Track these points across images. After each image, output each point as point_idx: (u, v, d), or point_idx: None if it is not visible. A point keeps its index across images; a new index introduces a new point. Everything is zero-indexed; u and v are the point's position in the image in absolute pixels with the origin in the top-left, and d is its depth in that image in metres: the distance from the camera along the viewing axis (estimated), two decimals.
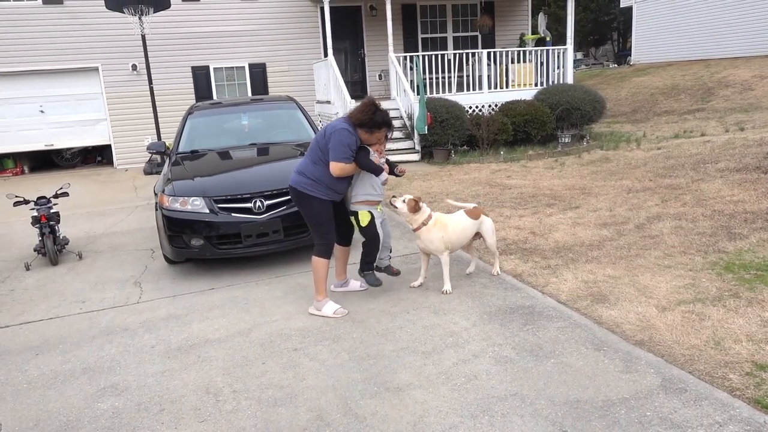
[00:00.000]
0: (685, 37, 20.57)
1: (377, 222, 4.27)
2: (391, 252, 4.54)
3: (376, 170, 4.14)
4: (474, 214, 4.51)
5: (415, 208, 4.28)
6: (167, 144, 6.98)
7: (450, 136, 10.88)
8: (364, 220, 4.23)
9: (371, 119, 4.07)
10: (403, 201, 4.31)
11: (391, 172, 4.32)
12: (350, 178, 4.25)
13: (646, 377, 3.01)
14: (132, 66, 13.45)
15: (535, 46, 14.23)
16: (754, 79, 15.66)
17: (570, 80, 13.20)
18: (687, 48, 20.44)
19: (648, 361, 3.16)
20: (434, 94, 11.91)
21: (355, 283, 4.72)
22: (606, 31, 37.57)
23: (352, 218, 4.36)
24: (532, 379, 3.10)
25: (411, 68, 12.53)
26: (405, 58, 12.56)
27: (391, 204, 4.35)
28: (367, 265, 4.39)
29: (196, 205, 5.19)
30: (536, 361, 3.28)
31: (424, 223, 4.33)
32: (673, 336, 3.41)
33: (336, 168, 4.05)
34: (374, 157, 4.20)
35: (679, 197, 6.55)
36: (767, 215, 5.47)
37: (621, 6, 24.68)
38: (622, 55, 33.06)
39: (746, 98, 14.60)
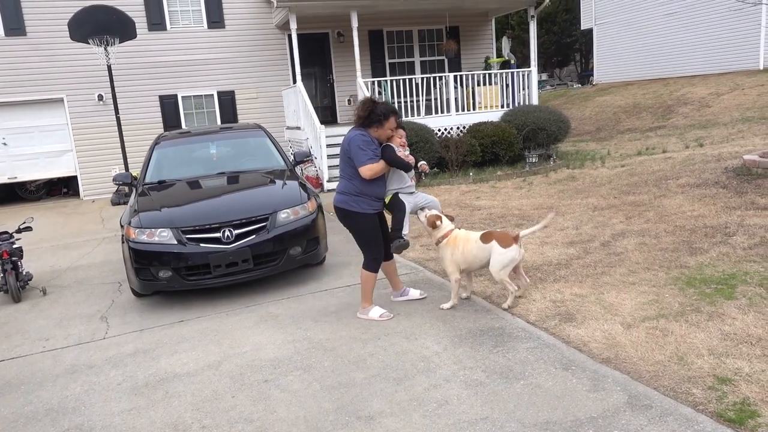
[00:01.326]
0: (644, 57, 21.30)
1: (401, 195, 4.53)
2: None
3: (406, 166, 4.38)
4: (485, 238, 4.35)
5: (433, 224, 4.47)
6: (134, 174, 6.91)
7: (419, 158, 10.99)
8: (388, 199, 4.51)
9: (372, 112, 4.29)
10: (425, 216, 4.51)
11: (415, 166, 4.54)
12: (384, 178, 4.45)
13: (612, 395, 3.06)
14: (98, 96, 13.32)
15: (500, 68, 14.57)
16: (710, 96, 16.25)
17: (535, 101, 13.52)
18: (646, 67, 21.15)
19: (614, 379, 3.22)
20: (403, 118, 12.06)
21: (415, 292, 4.85)
22: (569, 52, 38.69)
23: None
24: (502, 401, 3.12)
25: (379, 93, 12.70)
26: (373, 83, 12.72)
27: (417, 217, 4.56)
28: (397, 232, 4.51)
29: (164, 237, 5.14)
30: (506, 383, 3.31)
31: (439, 240, 4.47)
32: (638, 353, 3.47)
33: (366, 171, 4.25)
34: (399, 151, 4.39)
35: (642, 214, 6.72)
36: (726, 229, 5.65)
37: (582, 28, 25.48)
38: (585, 75, 34.02)
39: (704, 115, 15.13)
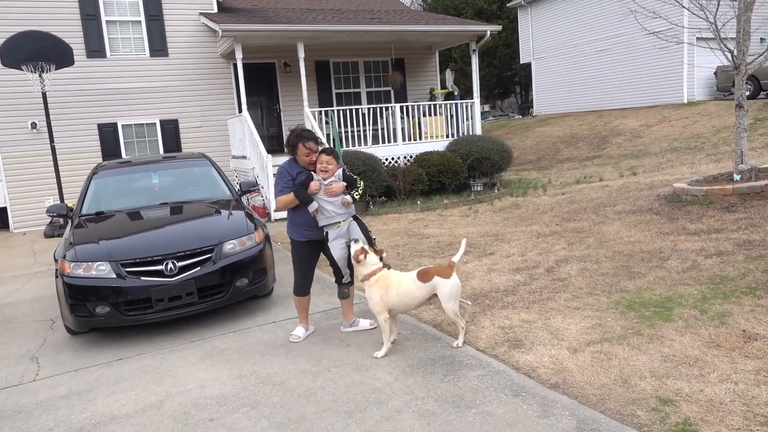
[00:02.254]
0: (579, 90, 22.38)
1: (329, 242, 4.48)
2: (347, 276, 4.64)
3: (304, 201, 4.35)
4: (423, 277, 4.13)
5: (357, 258, 4.19)
6: (69, 206, 6.61)
7: (368, 187, 11.05)
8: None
9: (287, 142, 4.50)
10: (353, 249, 4.24)
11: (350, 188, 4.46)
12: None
13: (562, 420, 3.10)
14: (31, 124, 12.75)
15: (445, 100, 14.95)
16: (641, 128, 17.18)
17: (479, 131, 13.91)
18: (582, 100, 22.22)
19: (563, 404, 3.26)
20: (350, 147, 12.13)
21: (365, 322, 4.80)
22: (509, 85, 40.11)
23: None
24: (454, 431, 3.10)
25: (327, 122, 12.74)
26: (320, 112, 12.77)
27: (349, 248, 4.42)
28: (339, 279, 4.65)
29: (102, 270, 4.91)
30: (458, 412, 3.30)
31: (366, 278, 4.20)
32: (585, 377, 3.55)
33: (277, 203, 4.47)
34: (317, 179, 4.37)
35: (583, 240, 6.96)
36: (661, 254, 5.91)
37: (521, 62, 26.57)
38: (526, 107, 35.33)
39: (636, 145, 15.95)
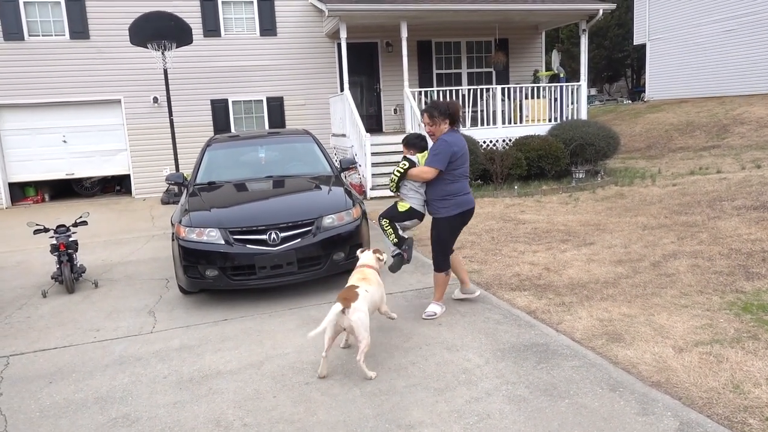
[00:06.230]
0: (699, 75, 20.67)
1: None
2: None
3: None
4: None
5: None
6: (185, 175, 7.10)
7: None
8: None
9: None
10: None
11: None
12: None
13: (663, 420, 2.95)
14: (153, 98, 13.78)
15: (549, 82, 14.38)
16: None
17: (584, 116, 13.29)
18: (701, 85, 20.51)
19: (665, 404, 3.10)
20: None
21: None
22: (620, 67, 37.88)
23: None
24: (546, 419, 3.05)
25: (426, 103, 12.70)
26: (420, 93, 12.74)
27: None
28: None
29: (212, 236, 5.25)
30: (550, 400, 3.23)
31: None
32: (691, 378, 3.35)
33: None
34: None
35: (695, 235, 6.50)
36: None
37: (635, 44, 24.93)
38: (637, 91, 33.23)
39: (762, 135, 14.53)
